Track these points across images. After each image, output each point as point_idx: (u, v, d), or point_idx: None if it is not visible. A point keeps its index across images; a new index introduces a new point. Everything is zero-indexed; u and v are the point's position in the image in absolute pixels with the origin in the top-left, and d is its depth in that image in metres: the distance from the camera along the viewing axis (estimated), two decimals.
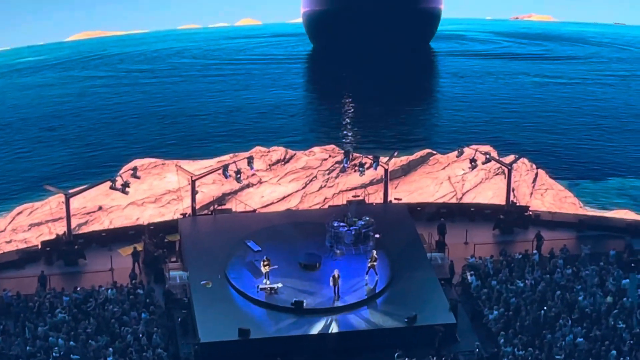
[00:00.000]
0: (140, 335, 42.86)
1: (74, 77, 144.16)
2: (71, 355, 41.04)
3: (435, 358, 41.65)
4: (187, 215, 55.88)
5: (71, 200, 53.40)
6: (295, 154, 76.96)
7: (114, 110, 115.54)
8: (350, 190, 69.27)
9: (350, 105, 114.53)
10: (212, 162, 68.30)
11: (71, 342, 41.92)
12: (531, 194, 71.64)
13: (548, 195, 72.42)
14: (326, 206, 63.76)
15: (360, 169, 58.54)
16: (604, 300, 45.88)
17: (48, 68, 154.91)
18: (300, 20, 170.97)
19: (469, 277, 49.15)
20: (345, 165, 60.95)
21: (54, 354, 41.06)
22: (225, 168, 57.73)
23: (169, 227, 55.56)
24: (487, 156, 61.72)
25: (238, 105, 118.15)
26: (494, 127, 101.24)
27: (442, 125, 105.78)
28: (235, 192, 67.37)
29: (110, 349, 41.19)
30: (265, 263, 45.81)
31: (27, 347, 41.50)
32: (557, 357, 41.56)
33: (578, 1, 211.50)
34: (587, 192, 79.69)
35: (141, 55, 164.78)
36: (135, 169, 57.66)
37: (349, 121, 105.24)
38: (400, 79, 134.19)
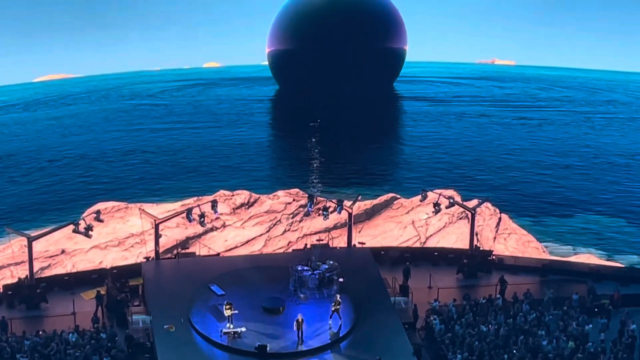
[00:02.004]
0: None
1: (38, 117, 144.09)
2: None
3: None
4: (150, 259, 55.92)
5: (33, 243, 53.34)
6: (259, 198, 77.12)
7: (77, 149, 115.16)
8: (314, 234, 69.55)
9: (315, 146, 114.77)
10: (175, 206, 68.43)
11: None
12: (494, 238, 72.12)
13: (511, 240, 72.91)
14: (290, 250, 64.21)
15: (324, 213, 59.07)
16: (567, 345, 46.14)
17: (13, 107, 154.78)
18: (265, 62, 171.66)
19: (432, 321, 49.24)
20: (309, 209, 61.46)
21: None
22: (189, 212, 57.92)
23: (132, 271, 55.46)
24: (451, 200, 62.24)
25: (202, 145, 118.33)
26: (457, 170, 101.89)
27: (406, 169, 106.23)
28: (199, 236, 67.30)
29: None
30: (228, 307, 45.89)
31: None
32: None
33: (538, 46, 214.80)
34: (550, 232, 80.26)
35: (104, 96, 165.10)
36: (98, 212, 58.07)
37: (313, 163, 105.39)
38: (364, 120, 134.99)
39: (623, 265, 67.25)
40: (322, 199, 68.54)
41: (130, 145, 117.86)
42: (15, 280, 54.78)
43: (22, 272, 55.44)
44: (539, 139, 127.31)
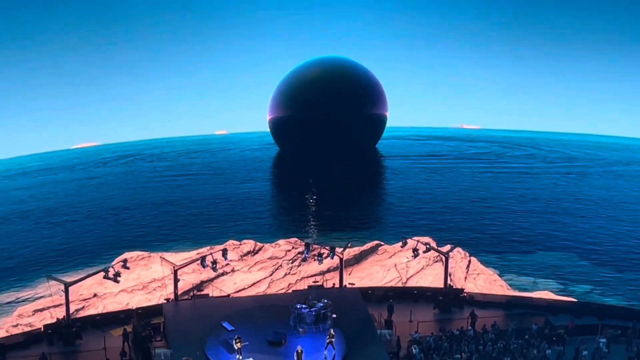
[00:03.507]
0: None
1: (75, 177, 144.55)
2: None
3: None
4: (170, 300, 55.75)
5: (70, 288, 53.37)
6: (263, 246, 77.00)
7: (107, 204, 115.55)
8: (310, 276, 69.37)
9: (310, 199, 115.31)
10: (191, 254, 68.33)
11: None
12: (465, 277, 72.12)
13: (480, 279, 72.93)
14: (290, 291, 63.75)
15: (319, 258, 59.01)
16: None
17: (54, 170, 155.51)
18: (267, 129, 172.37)
19: (413, 350, 49.06)
20: (306, 255, 61.34)
21: None
22: (203, 259, 57.95)
23: (155, 310, 55.25)
24: (427, 246, 62.39)
25: (214, 198, 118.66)
26: (433, 217, 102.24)
27: (388, 218, 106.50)
28: (211, 280, 67.18)
29: None
30: (238, 340, 45.82)
31: None
32: None
33: (499, 113, 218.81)
34: (513, 269, 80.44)
35: (130, 160, 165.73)
36: (125, 260, 57.84)
37: (309, 214, 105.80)
38: (352, 175, 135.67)
39: (576, 300, 67.28)
40: (317, 246, 68.41)
41: (152, 200, 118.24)
42: (54, 320, 54.55)
43: (60, 313, 55.21)
44: (502, 188, 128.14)
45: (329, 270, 66.66)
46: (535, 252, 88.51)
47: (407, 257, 70.24)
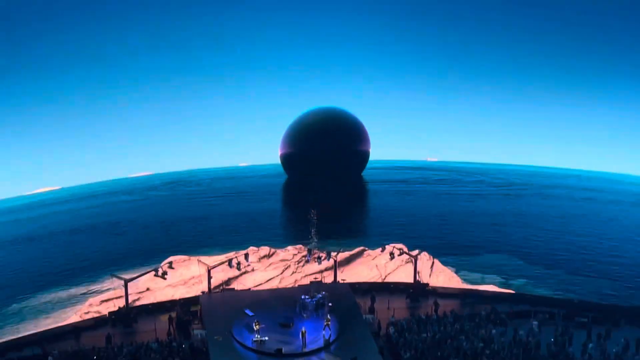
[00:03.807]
0: None
1: (133, 198, 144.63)
2: None
3: None
4: (205, 293, 55.77)
5: (129, 284, 53.44)
6: (275, 251, 76.71)
7: (157, 219, 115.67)
8: (312, 274, 69.08)
9: (312, 215, 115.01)
10: (221, 257, 67.96)
11: None
12: (430, 275, 71.85)
13: (441, 276, 72.57)
14: (296, 285, 63.79)
15: (318, 260, 59.02)
16: (479, 345, 46.21)
17: (114, 194, 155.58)
18: (279, 161, 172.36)
19: (390, 330, 49.15)
20: (308, 258, 61.35)
21: None
22: (230, 261, 58.07)
23: (193, 301, 55.21)
24: (400, 250, 62.75)
25: (237, 214, 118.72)
26: (405, 228, 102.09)
27: (371, 229, 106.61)
28: (236, 277, 67.14)
29: None
30: (256, 323, 45.80)
31: None
32: None
33: (455, 146, 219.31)
34: (467, 268, 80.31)
35: (174, 185, 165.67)
36: (171, 262, 57.97)
37: (310, 226, 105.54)
38: (343, 196, 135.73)
39: (514, 291, 67.10)
40: (316, 251, 68.30)
41: (191, 216, 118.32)
42: (116, 308, 54.57)
43: (121, 303, 55.28)
44: (458, 206, 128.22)
45: (326, 269, 66.43)
46: (483, 255, 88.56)
47: (385, 260, 70.40)
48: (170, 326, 50.82)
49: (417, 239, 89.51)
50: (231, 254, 69.59)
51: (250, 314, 49.18)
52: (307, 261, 68.11)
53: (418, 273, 61.52)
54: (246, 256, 61.87)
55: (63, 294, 73.43)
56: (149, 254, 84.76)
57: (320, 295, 50.74)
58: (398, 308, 53.97)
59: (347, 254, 75.42)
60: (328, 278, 61.69)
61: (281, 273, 71.33)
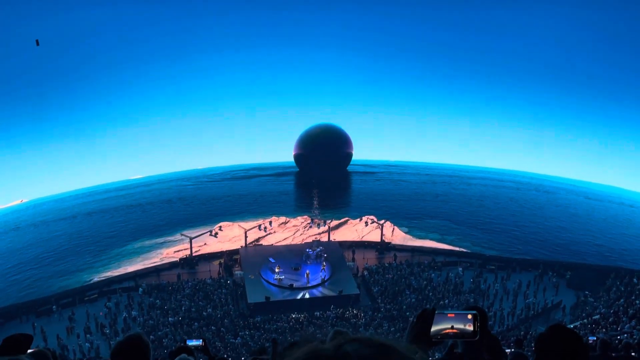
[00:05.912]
0: (222, 299, 43.14)
1: (194, 185, 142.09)
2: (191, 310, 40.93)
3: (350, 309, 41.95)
4: (243, 247, 56.36)
5: (193, 240, 53.90)
6: (289, 220, 76.77)
7: (210, 197, 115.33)
8: (313, 235, 69.30)
9: (314, 194, 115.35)
10: (253, 224, 68.22)
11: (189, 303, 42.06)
12: (391, 236, 71.83)
13: (398, 237, 72.38)
14: (303, 242, 64.24)
15: (318, 226, 59.72)
16: (423, 283, 46.66)
17: (186, 180, 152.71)
18: (291, 159, 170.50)
19: (365, 273, 49.79)
20: (311, 224, 62.08)
21: (183, 308, 41.12)
22: (259, 226, 58.81)
23: (235, 252, 55.77)
24: (372, 220, 63.24)
25: (263, 193, 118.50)
26: (377, 205, 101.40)
27: (353, 204, 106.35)
28: (264, 237, 67.27)
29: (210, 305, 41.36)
30: (277, 267, 46.40)
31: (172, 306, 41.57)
32: (403, 307, 42.21)
33: (428, 149, 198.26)
34: (417, 231, 79.43)
35: (209, 180, 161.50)
36: (220, 226, 58.63)
37: (313, 202, 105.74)
38: (335, 183, 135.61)
39: (447, 247, 66.91)
40: (317, 220, 69.00)
41: (235, 193, 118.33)
42: (184, 256, 55.14)
43: (187, 252, 55.73)
44: (411, 189, 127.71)
45: (323, 232, 66.91)
46: (427, 220, 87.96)
47: (362, 226, 70.76)
48: (220, 268, 51.29)
49: (384, 213, 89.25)
50: (260, 221, 69.95)
51: (273, 261, 49.77)
52: (310, 226, 68.63)
53: (383, 235, 62.11)
54: (270, 222, 62.48)
55: (149, 242, 73.66)
56: (207, 220, 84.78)
57: (319, 249, 51.41)
58: (370, 258, 54.45)
59: (336, 222, 75.60)
60: (324, 238, 62.25)
61: (293, 234, 71.37)
